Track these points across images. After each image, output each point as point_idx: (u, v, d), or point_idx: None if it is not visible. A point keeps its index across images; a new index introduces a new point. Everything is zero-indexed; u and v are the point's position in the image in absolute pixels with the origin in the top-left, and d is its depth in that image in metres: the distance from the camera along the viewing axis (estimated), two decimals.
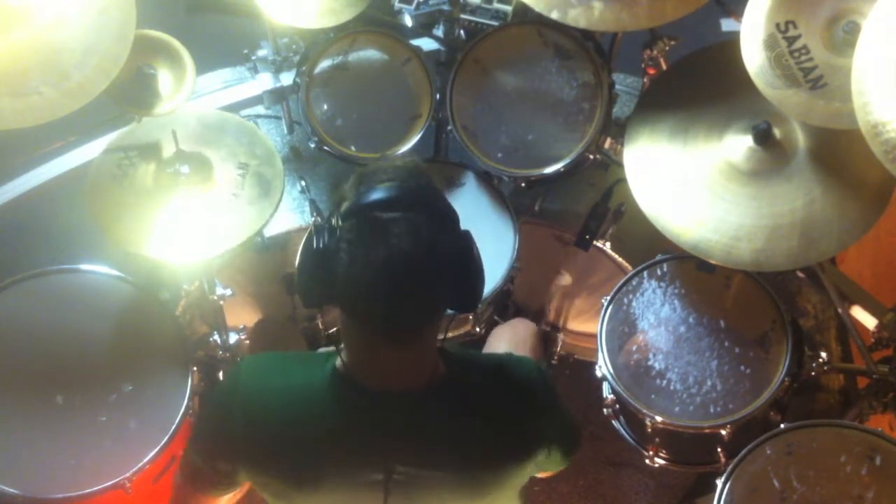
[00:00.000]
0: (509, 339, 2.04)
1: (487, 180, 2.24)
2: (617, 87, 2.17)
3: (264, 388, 1.24)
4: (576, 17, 1.86)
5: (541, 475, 1.43)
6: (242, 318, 2.32)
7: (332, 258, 1.13)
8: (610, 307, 2.00)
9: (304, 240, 1.19)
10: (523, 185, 2.19)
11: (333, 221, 1.16)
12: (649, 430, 1.89)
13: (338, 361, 1.23)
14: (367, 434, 1.20)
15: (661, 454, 1.97)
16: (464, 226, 1.22)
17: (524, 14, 2.26)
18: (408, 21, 2.27)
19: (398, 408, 1.20)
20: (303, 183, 2.32)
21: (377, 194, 1.14)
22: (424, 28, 2.29)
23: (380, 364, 1.19)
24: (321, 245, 1.14)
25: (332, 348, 1.28)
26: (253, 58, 2.39)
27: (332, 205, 1.21)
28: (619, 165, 1.98)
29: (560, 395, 1.35)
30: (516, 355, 1.38)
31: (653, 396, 1.88)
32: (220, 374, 2.12)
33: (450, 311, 1.20)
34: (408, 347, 1.18)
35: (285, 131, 2.50)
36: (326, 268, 1.13)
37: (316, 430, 1.21)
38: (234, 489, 1.32)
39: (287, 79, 2.33)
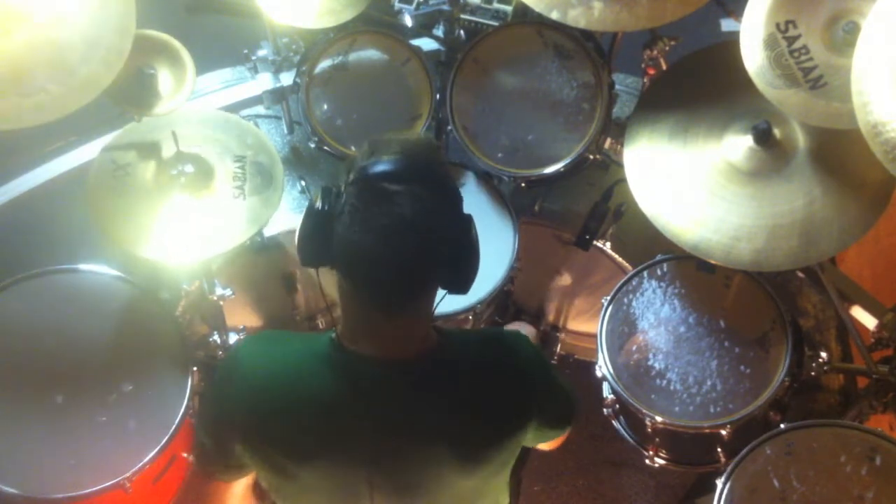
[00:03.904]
0: None
1: (487, 180, 2.25)
2: (617, 87, 2.17)
3: (263, 358, 1.26)
4: (576, 17, 1.86)
5: (542, 446, 1.45)
6: (242, 318, 2.32)
7: (335, 221, 1.15)
8: (610, 307, 2.00)
9: (308, 202, 1.20)
10: (523, 185, 2.19)
11: (341, 187, 1.18)
12: (649, 429, 1.89)
13: (334, 333, 1.25)
14: (357, 403, 1.21)
15: (662, 454, 1.98)
16: None
17: (524, 14, 2.26)
18: (408, 21, 2.27)
19: (388, 376, 1.21)
20: (303, 183, 2.32)
21: (385, 165, 1.15)
22: (424, 28, 2.29)
23: (372, 330, 1.21)
24: (325, 207, 1.17)
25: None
26: (253, 58, 2.39)
27: (342, 172, 1.23)
28: (619, 165, 1.98)
29: (554, 370, 1.37)
30: (509, 330, 1.40)
31: (653, 396, 1.88)
32: None
33: (442, 292, 1.21)
34: (400, 314, 1.19)
35: (285, 131, 2.50)
36: (327, 228, 1.16)
37: (311, 397, 1.22)
38: (243, 472, 1.33)
39: (287, 79, 2.33)
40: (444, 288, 1.21)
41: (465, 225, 1.21)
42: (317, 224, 1.18)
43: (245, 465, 1.30)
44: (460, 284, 1.21)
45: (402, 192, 1.13)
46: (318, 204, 1.18)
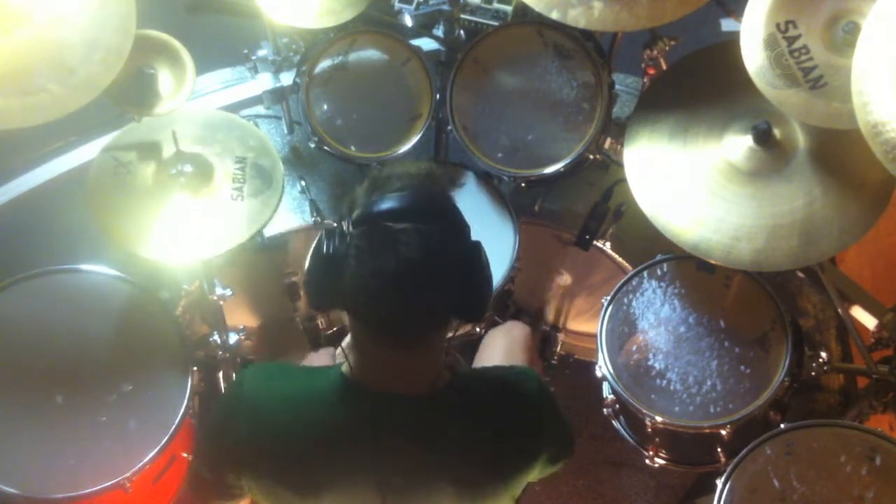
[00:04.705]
0: (504, 342, 2.03)
1: (487, 180, 2.25)
2: (617, 87, 2.17)
3: (267, 394, 1.25)
4: (576, 17, 1.86)
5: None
6: (242, 318, 2.32)
7: (342, 263, 1.14)
8: (610, 307, 2.00)
9: (314, 243, 1.19)
10: (523, 185, 2.19)
11: (344, 227, 1.17)
12: (649, 430, 1.89)
13: (344, 367, 1.24)
14: (366, 437, 1.20)
15: (662, 454, 1.98)
16: None
17: (524, 14, 2.26)
18: (408, 21, 2.26)
19: (399, 411, 1.20)
20: (303, 183, 2.32)
21: (389, 203, 1.14)
22: (424, 28, 2.29)
23: (383, 366, 1.20)
24: (331, 250, 1.16)
25: (337, 350, 1.28)
26: (253, 58, 2.38)
27: (344, 209, 1.22)
28: (619, 165, 1.98)
29: (560, 407, 1.35)
30: (519, 368, 1.39)
31: (653, 396, 1.88)
32: (220, 374, 2.12)
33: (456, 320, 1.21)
34: (411, 351, 1.18)
35: (285, 131, 2.50)
36: (335, 272, 1.14)
37: (317, 433, 1.21)
38: (238, 499, 1.32)
39: (287, 79, 2.32)
40: (458, 318, 1.20)
41: (475, 254, 1.20)
42: (323, 268, 1.16)
43: (240, 494, 1.29)
44: (474, 313, 1.21)
45: (408, 230, 1.11)
46: (324, 247, 1.16)
